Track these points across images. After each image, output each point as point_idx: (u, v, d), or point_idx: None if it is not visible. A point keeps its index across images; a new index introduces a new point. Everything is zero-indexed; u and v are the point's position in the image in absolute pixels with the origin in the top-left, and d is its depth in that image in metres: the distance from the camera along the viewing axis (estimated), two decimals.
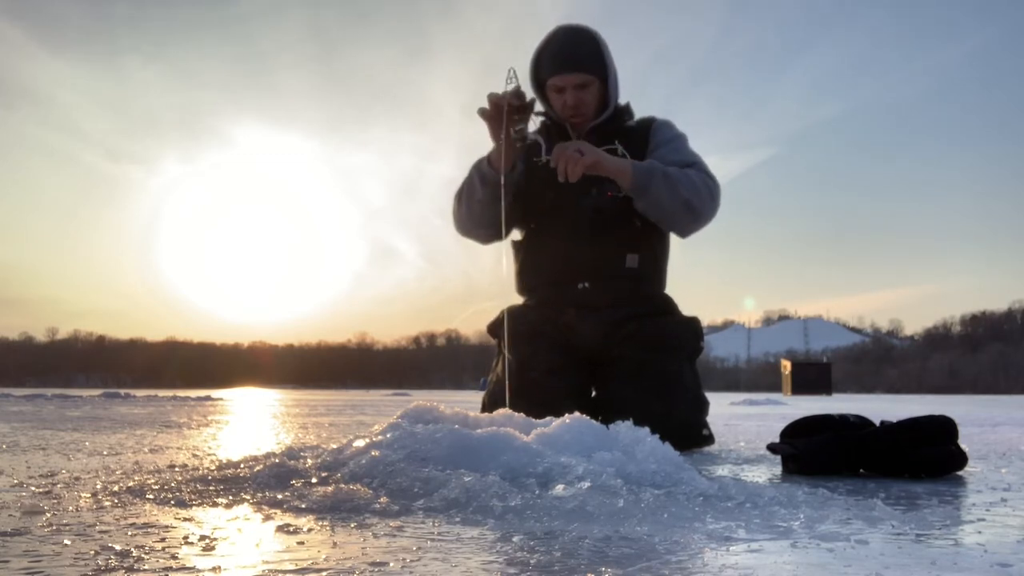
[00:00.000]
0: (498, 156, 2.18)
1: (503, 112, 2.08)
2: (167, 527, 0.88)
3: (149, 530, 0.86)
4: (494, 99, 2.10)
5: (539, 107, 2.32)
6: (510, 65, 2.08)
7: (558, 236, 2.33)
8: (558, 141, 2.34)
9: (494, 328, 2.45)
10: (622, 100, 2.43)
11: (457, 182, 2.49)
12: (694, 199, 2.23)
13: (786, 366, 42.09)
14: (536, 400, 2.04)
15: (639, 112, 2.47)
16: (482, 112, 2.13)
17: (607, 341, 2.27)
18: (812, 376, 39.35)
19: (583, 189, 2.29)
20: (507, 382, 2.28)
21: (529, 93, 2.12)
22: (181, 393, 13.26)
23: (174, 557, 0.73)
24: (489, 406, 2.21)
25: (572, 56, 2.31)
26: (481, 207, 2.31)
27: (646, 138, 2.37)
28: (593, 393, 2.32)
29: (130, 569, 0.68)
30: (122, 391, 11.00)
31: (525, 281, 2.45)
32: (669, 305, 2.40)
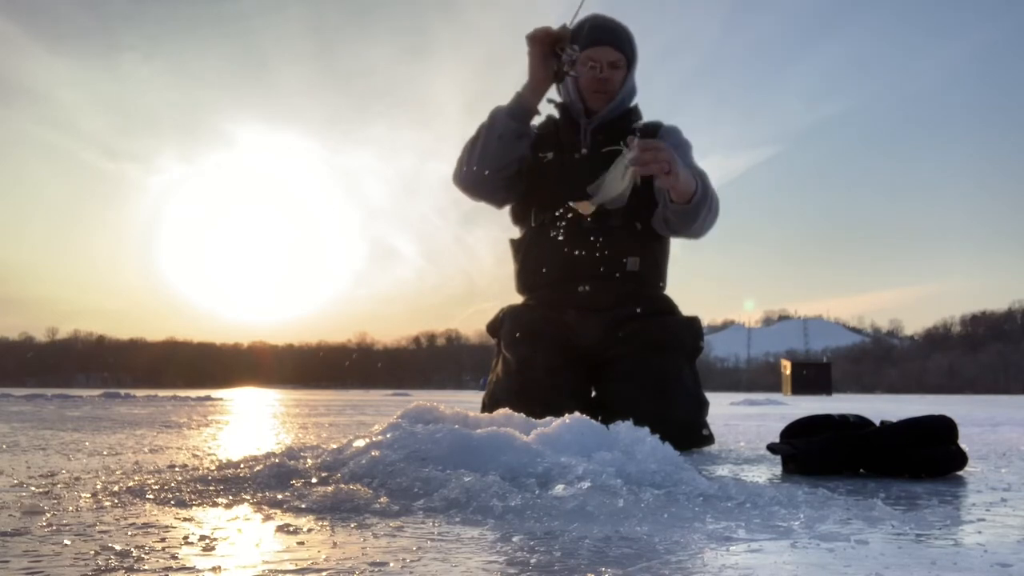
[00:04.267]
0: (531, 92, 2.24)
1: (554, 39, 2.14)
2: (167, 527, 0.88)
3: (149, 530, 0.86)
4: (543, 29, 2.17)
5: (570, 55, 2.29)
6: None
7: (558, 237, 2.33)
8: (567, 128, 2.40)
9: (494, 328, 2.45)
10: (631, 101, 2.45)
11: None
12: (709, 227, 2.29)
13: (786, 366, 42.09)
14: (536, 400, 2.04)
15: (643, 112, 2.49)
16: (533, 36, 2.18)
17: (607, 341, 2.27)
18: (812, 376, 39.36)
19: (585, 190, 2.30)
20: (507, 382, 2.28)
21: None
22: (181, 393, 13.26)
23: (174, 557, 0.73)
24: (489, 406, 2.21)
25: (611, 33, 2.37)
26: (500, 145, 2.29)
27: (654, 137, 2.36)
28: (593, 393, 2.32)
29: (130, 569, 0.68)
30: (122, 391, 11.00)
31: (525, 281, 2.45)
32: (669, 305, 2.40)
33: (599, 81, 2.35)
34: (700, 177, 2.21)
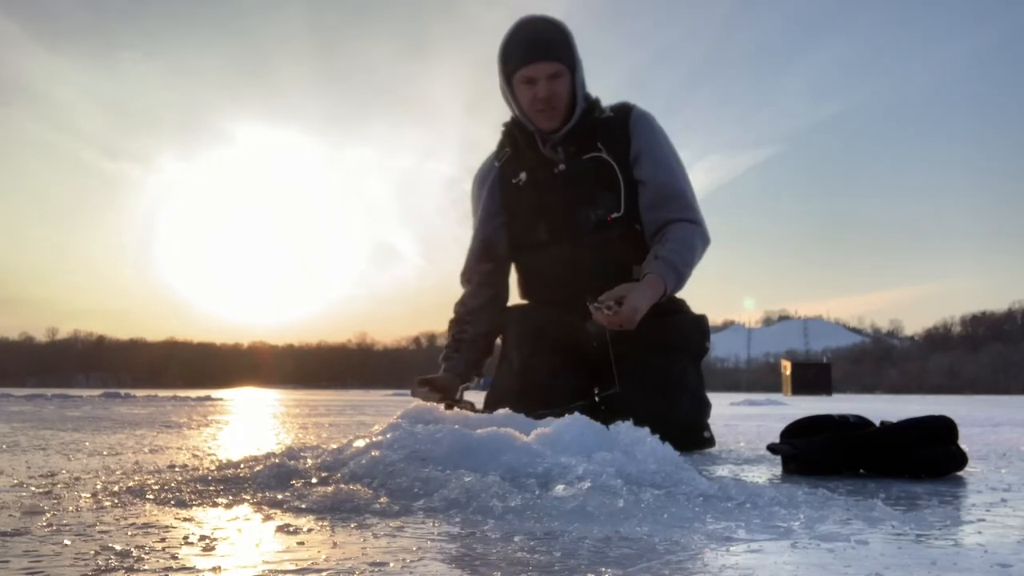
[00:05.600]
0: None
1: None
2: (167, 527, 0.88)
3: (149, 530, 0.86)
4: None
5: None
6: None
7: (561, 253, 2.28)
8: (526, 149, 2.31)
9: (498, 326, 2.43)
10: (604, 98, 2.33)
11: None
12: (695, 268, 2.26)
13: (786, 366, 42.11)
14: (537, 401, 2.03)
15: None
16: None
17: (611, 340, 2.25)
18: (812, 376, 39.38)
19: (581, 207, 2.25)
20: (509, 382, 2.26)
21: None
22: (181, 393, 13.26)
23: (174, 557, 0.73)
24: (491, 405, 2.21)
25: (543, 44, 2.19)
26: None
27: (626, 133, 2.28)
28: (596, 393, 2.31)
29: (130, 569, 0.68)
30: (122, 391, 11.00)
31: (528, 291, 2.43)
32: (677, 304, 2.34)
33: (542, 100, 2.19)
34: (670, 263, 2.14)
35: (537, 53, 2.19)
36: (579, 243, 2.25)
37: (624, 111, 2.32)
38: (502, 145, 2.39)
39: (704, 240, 2.29)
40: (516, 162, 2.34)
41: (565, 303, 2.27)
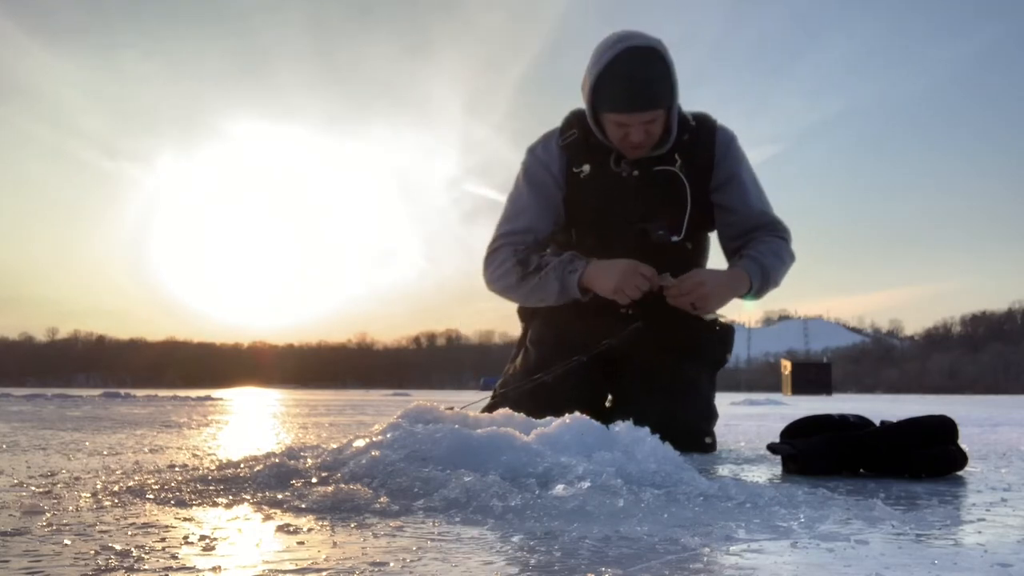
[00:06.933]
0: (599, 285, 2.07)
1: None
2: (167, 527, 0.88)
3: (149, 530, 0.86)
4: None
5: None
6: None
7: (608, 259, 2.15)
8: (602, 160, 2.18)
9: (525, 312, 2.39)
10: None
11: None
12: (781, 280, 2.22)
13: (786, 366, 42.18)
14: (542, 402, 2.01)
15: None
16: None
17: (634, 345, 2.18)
18: (812, 376, 39.47)
19: (643, 221, 2.17)
20: (523, 378, 2.24)
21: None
22: (181, 393, 13.26)
23: (174, 557, 0.73)
24: (500, 396, 2.20)
25: (644, 93, 2.01)
26: (543, 304, 2.21)
27: (709, 153, 2.19)
28: (609, 396, 2.28)
29: (130, 569, 0.68)
30: (122, 391, 11.00)
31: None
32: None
33: (633, 144, 2.07)
34: (759, 263, 2.10)
35: (636, 103, 2.01)
36: (625, 249, 2.13)
37: (709, 127, 2.22)
38: (569, 124, 2.22)
39: (791, 256, 2.24)
40: (582, 148, 2.19)
41: (597, 308, 2.16)
